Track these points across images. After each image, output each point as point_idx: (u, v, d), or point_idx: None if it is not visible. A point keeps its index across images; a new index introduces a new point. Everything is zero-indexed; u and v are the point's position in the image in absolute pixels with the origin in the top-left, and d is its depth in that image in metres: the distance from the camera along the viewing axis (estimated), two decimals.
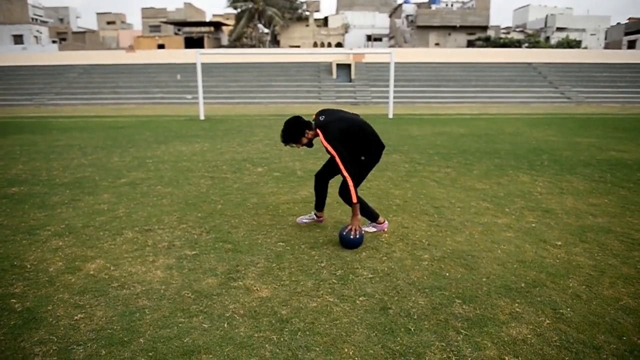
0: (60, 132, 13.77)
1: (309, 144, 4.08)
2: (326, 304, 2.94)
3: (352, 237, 3.84)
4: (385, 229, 4.35)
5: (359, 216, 3.92)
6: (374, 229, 4.32)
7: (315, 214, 4.59)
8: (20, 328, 2.64)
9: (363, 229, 4.13)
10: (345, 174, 3.81)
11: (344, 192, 3.95)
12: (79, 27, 67.78)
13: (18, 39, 49.90)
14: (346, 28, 58.54)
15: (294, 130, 3.95)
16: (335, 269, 3.47)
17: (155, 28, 61.39)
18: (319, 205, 4.53)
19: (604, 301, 2.96)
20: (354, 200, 3.84)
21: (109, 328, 2.64)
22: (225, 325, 2.68)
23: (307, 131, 3.96)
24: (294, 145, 4.03)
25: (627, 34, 58.35)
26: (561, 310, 2.84)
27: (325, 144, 3.82)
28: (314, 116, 4.08)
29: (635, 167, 7.56)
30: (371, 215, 4.29)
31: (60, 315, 2.78)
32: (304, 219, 4.63)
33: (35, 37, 51.35)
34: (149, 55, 39.81)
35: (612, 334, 2.57)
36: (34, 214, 4.93)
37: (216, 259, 3.68)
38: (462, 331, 2.61)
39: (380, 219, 4.34)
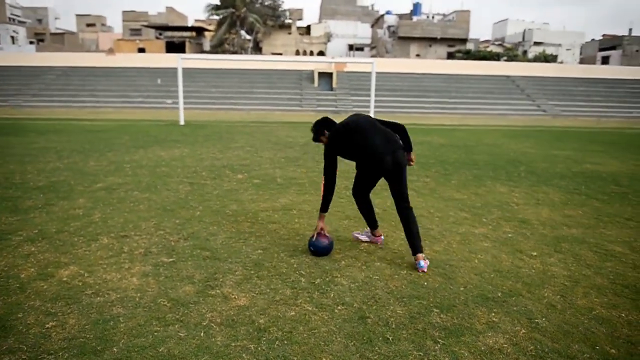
0: (36, 134, 13.49)
1: None
2: (304, 312, 2.92)
3: (314, 241, 3.88)
4: (380, 243, 4.32)
5: (320, 222, 3.97)
6: (367, 239, 4.36)
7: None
8: None
9: (358, 235, 4.37)
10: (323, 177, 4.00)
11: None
12: (58, 29, 66.60)
13: None
14: (328, 37, 58.83)
15: (316, 129, 4.01)
16: (314, 278, 3.46)
17: (136, 31, 60.72)
18: (370, 222, 4.30)
19: (578, 311, 3.01)
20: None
21: (81, 337, 2.57)
22: (202, 334, 2.64)
23: (325, 131, 3.99)
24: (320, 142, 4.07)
25: (601, 49, 60.02)
26: (536, 320, 2.87)
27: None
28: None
29: (609, 180, 7.74)
30: (372, 222, 4.29)
31: (31, 323, 2.71)
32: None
33: (12, 37, 50.31)
34: (129, 59, 39.39)
35: (586, 344, 2.61)
36: (6, 218, 4.79)
37: (194, 266, 3.63)
38: (440, 340, 2.62)
39: (377, 231, 4.31)
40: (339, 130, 3.89)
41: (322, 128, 3.97)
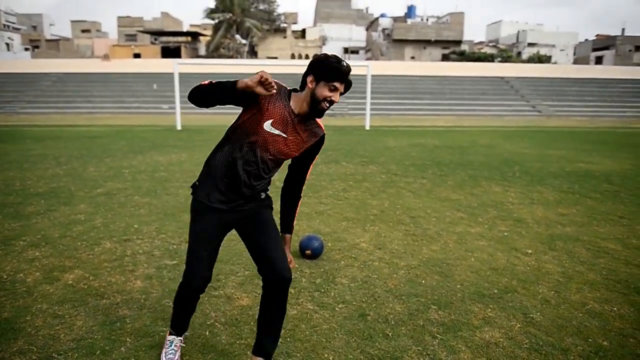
0: (33, 141, 13.52)
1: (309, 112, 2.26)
2: (306, 311, 3.00)
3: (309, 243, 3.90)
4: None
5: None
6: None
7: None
8: None
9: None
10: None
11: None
12: (53, 35, 66.54)
13: None
14: (323, 40, 59.04)
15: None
16: (315, 278, 3.54)
17: (131, 37, 60.74)
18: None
19: (572, 305, 3.10)
20: None
21: (89, 337, 2.64)
22: (207, 333, 2.71)
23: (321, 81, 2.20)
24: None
25: (594, 50, 60.47)
26: (531, 315, 2.96)
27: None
28: None
29: (602, 178, 7.86)
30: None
31: (39, 325, 2.77)
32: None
33: (7, 44, 50.29)
34: (125, 65, 39.39)
35: (579, 337, 2.70)
36: (9, 224, 4.85)
37: None
38: (438, 336, 2.70)
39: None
40: None
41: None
